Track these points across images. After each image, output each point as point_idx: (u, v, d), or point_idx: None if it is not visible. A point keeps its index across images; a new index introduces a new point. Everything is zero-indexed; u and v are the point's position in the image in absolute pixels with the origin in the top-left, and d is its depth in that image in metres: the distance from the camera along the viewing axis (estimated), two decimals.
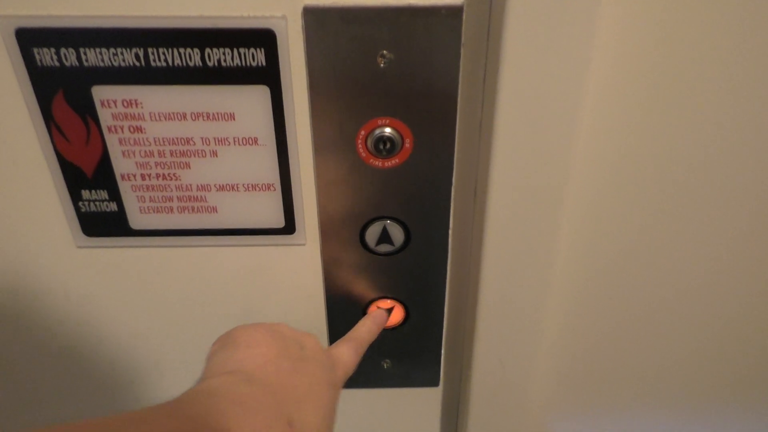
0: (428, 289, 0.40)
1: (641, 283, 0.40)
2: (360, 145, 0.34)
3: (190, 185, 0.36)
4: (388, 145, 0.34)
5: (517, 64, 0.29)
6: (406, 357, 0.44)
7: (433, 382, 0.45)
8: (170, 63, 0.31)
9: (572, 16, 0.28)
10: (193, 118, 0.33)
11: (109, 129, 0.33)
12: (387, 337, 0.42)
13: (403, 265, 0.39)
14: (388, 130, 0.34)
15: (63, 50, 0.31)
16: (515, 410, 0.43)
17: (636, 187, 0.36)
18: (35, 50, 0.31)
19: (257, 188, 0.36)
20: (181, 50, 0.31)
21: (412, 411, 0.47)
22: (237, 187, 0.36)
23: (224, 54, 0.31)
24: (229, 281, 0.39)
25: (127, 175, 0.35)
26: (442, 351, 0.43)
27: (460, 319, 0.42)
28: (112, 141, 0.34)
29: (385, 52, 0.31)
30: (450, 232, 0.38)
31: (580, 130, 0.32)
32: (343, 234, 0.38)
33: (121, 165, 0.35)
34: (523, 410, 0.43)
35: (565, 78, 0.29)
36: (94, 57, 0.31)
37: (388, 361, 0.44)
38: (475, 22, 0.31)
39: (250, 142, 0.34)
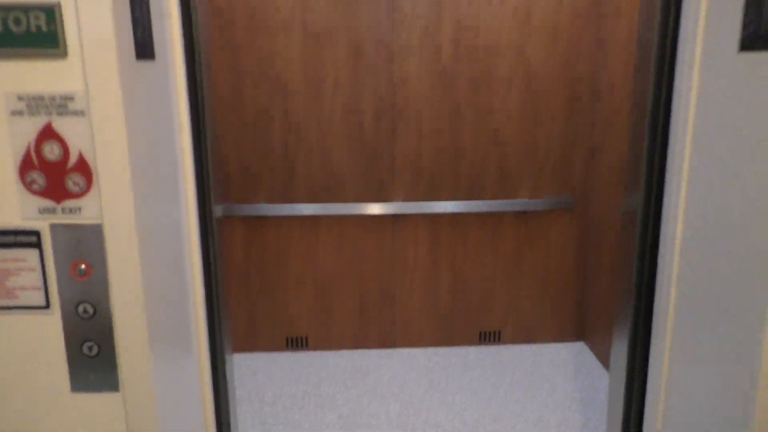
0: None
1: None
2: (72, 271, 0.94)
3: (9, 289, 0.94)
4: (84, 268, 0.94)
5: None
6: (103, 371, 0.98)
7: (115, 387, 0.98)
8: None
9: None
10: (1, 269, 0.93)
11: None
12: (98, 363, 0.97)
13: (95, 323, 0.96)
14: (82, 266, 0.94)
15: None
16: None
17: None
18: None
19: (35, 289, 0.94)
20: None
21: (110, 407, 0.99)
22: (27, 288, 0.94)
23: (22, 239, 0.92)
24: (24, 330, 0.95)
25: None
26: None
27: None
28: None
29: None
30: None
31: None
32: (68, 308, 0.95)
33: None
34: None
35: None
36: None
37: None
38: None
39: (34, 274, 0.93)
